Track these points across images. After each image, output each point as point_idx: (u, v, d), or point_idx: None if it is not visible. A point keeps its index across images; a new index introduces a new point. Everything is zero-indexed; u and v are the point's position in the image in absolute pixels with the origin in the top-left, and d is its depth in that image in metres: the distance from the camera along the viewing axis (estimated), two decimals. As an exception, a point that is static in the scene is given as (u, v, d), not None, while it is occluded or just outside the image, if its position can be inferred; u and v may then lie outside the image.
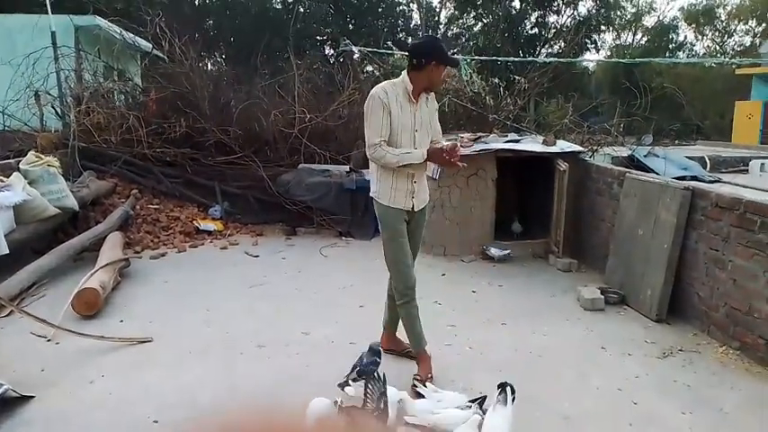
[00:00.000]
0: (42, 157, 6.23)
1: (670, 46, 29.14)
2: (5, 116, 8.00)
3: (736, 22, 28.39)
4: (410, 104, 3.53)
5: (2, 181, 5.62)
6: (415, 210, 3.64)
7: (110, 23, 10.11)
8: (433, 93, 3.70)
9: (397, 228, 3.59)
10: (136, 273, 5.68)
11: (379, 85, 3.57)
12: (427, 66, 3.46)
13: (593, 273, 5.90)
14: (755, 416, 3.25)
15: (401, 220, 3.60)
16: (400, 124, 3.48)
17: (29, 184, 5.78)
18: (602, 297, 4.94)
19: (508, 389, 2.95)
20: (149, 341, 4.09)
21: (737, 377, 3.72)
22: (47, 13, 9.52)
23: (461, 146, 6.41)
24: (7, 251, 4.85)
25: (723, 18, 28.85)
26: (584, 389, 3.53)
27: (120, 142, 7.67)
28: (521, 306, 4.95)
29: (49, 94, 8.28)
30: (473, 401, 3.04)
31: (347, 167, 7.71)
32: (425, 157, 3.53)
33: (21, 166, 6.03)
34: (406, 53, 3.77)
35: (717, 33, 29.47)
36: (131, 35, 9.37)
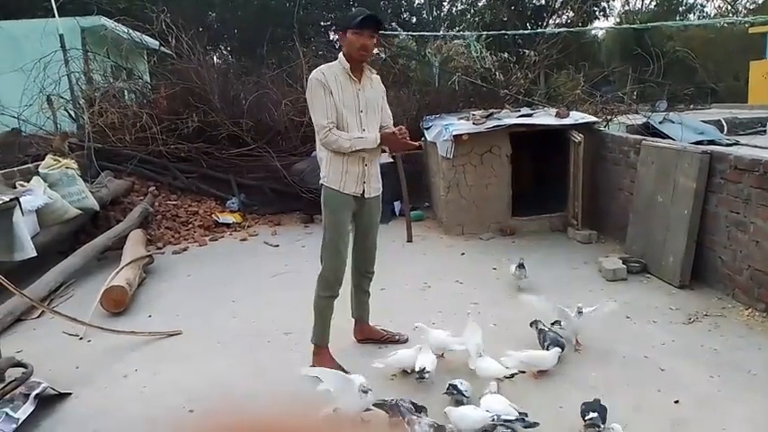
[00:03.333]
0: (60, 160, 6.32)
1: (680, 8, 28.56)
2: (21, 122, 8.09)
3: (747, -21, 27.71)
4: (352, 84, 3.42)
5: (23, 185, 5.71)
6: (366, 197, 3.51)
7: (116, 23, 10.14)
8: (377, 76, 3.61)
9: (344, 215, 3.47)
10: (159, 269, 5.76)
11: (317, 68, 3.47)
12: (341, 40, 3.44)
13: (614, 243, 5.87)
14: (785, 376, 3.24)
15: (348, 209, 3.48)
16: (344, 105, 3.37)
17: (49, 187, 5.87)
18: (624, 267, 4.93)
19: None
20: (178, 334, 4.16)
21: (765, 338, 3.71)
22: (52, 17, 9.57)
23: (474, 123, 6.43)
24: (35, 254, 4.95)
25: (733, -24, 28.18)
26: (610, 358, 3.54)
27: (134, 141, 7.73)
28: (543, 280, 4.95)
29: (62, 98, 8.36)
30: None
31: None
32: (379, 141, 3.41)
33: (40, 170, 6.12)
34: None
35: (728, -8, 28.79)
36: (138, 33, 9.40)
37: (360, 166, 3.45)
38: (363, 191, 3.49)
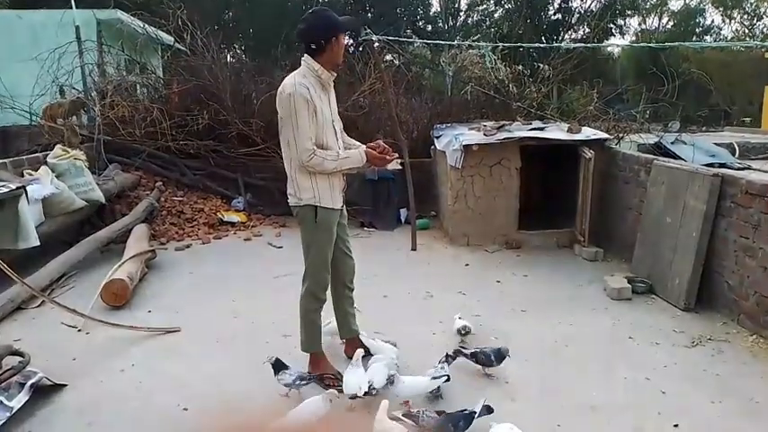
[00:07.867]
0: (69, 150, 6.34)
1: (697, 30, 28.52)
2: (32, 111, 8.13)
3: (765, 4, 27.64)
4: (326, 94, 3.23)
5: (30, 174, 5.72)
6: (342, 207, 3.44)
7: (132, 17, 10.21)
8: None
9: (333, 231, 3.34)
10: (162, 264, 5.75)
11: (292, 79, 3.12)
12: (329, 44, 3.15)
13: (620, 262, 5.82)
14: (789, 406, 3.19)
15: (336, 223, 3.36)
16: (324, 119, 3.17)
17: (56, 177, 5.88)
18: (630, 286, 4.88)
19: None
20: (177, 331, 4.15)
21: (769, 367, 3.66)
22: (69, 8, 9.63)
23: (485, 134, 6.40)
24: (38, 243, 4.95)
25: (752, 0, 28.11)
26: (611, 378, 3.50)
27: (144, 135, 7.75)
28: (546, 296, 4.91)
29: (74, 89, 8.39)
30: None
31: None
32: (365, 159, 3.27)
33: (48, 159, 6.14)
34: (299, 41, 3.31)
35: (745, 16, 28.76)
36: (153, 29, 9.45)
37: (342, 180, 3.37)
38: (343, 202, 3.42)
